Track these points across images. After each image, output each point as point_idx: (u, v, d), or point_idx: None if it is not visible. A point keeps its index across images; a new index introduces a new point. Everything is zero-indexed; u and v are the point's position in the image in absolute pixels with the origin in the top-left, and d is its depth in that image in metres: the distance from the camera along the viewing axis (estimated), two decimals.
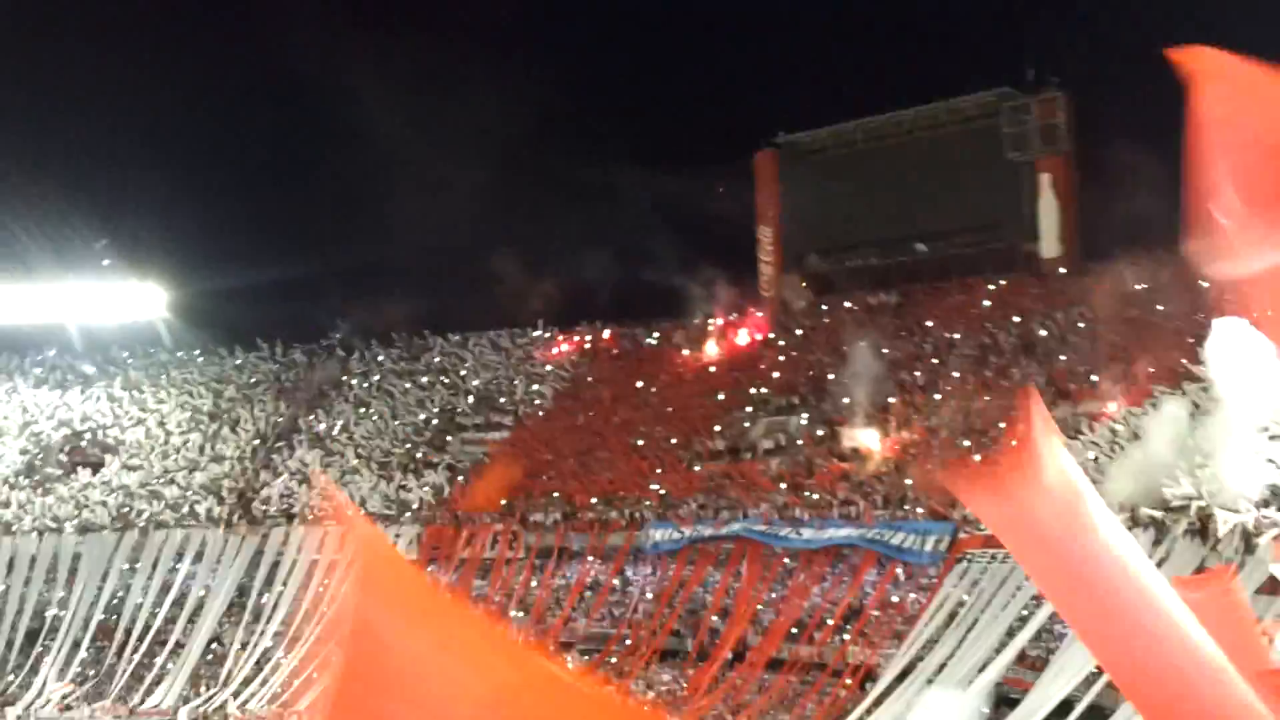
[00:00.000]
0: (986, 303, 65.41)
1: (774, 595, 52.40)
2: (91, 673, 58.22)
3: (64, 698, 56.00)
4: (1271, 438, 33.50)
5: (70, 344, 79.96)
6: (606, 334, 75.54)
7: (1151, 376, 47.13)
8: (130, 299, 77.92)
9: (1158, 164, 45.57)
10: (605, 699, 3.40)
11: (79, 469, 68.67)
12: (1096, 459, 44.61)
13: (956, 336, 63.00)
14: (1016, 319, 62.56)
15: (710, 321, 72.72)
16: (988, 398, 55.58)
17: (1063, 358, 57.19)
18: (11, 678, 58.50)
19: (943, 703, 36.92)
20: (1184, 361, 43.27)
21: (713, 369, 69.41)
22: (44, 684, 57.21)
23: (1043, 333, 60.22)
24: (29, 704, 55.84)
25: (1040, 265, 68.19)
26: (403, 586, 3.41)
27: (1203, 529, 34.37)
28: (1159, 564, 32.66)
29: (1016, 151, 69.67)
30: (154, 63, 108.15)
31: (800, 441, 59.23)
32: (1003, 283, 66.94)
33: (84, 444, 71.36)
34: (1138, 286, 55.78)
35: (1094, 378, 53.24)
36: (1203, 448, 35.05)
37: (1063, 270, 66.17)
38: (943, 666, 41.34)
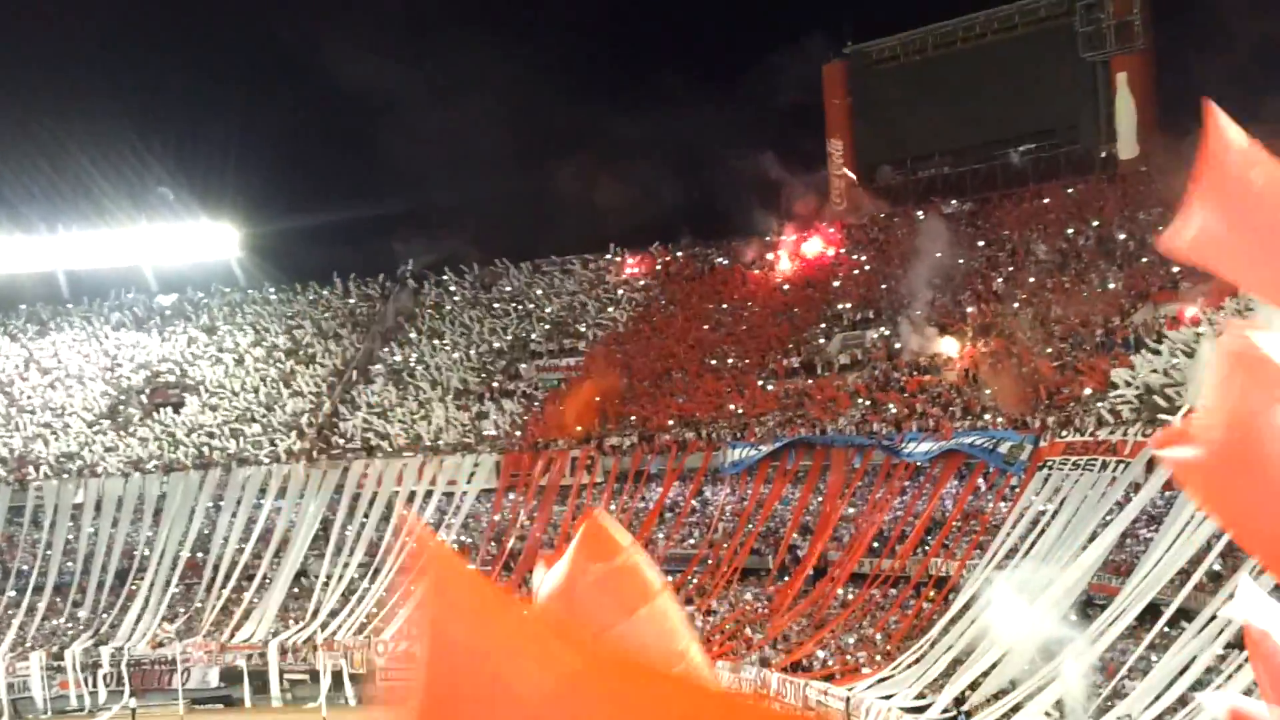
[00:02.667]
0: (1063, 207, 64.14)
1: (854, 510, 52.00)
2: (182, 609, 58.98)
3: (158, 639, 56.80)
4: None
5: (147, 286, 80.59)
6: (678, 255, 74.98)
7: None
8: (204, 239, 78.35)
9: (1237, 57, 44.29)
10: (682, 683, 3.46)
11: (160, 409, 69.32)
12: (1179, 360, 43.70)
13: (1034, 243, 61.88)
14: (1095, 223, 61.35)
15: (782, 237, 71.92)
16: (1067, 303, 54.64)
17: (1142, 260, 55.95)
18: (105, 616, 59.38)
19: (1028, 611, 36.40)
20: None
21: (786, 286, 68.74)
22: (137, 621, 58.03)
23: (1121, 235, 58.97)
24: (122, 643, 56.67)
25: (1118, 167, 66.75)
26: (474, 596, 3.33)
27: None
28: None
29: (1092, 51, 68.12)
30: (227, 6, 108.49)
31: (876, 355, 58.54)
32: (1080, 186, 65.61)
33: (164, 385, 72.02)
34: None
35: (1175, 279, 52.08)
36: None
37: (1141, 171, 64.68)
38: (1027, 576, 40.78)
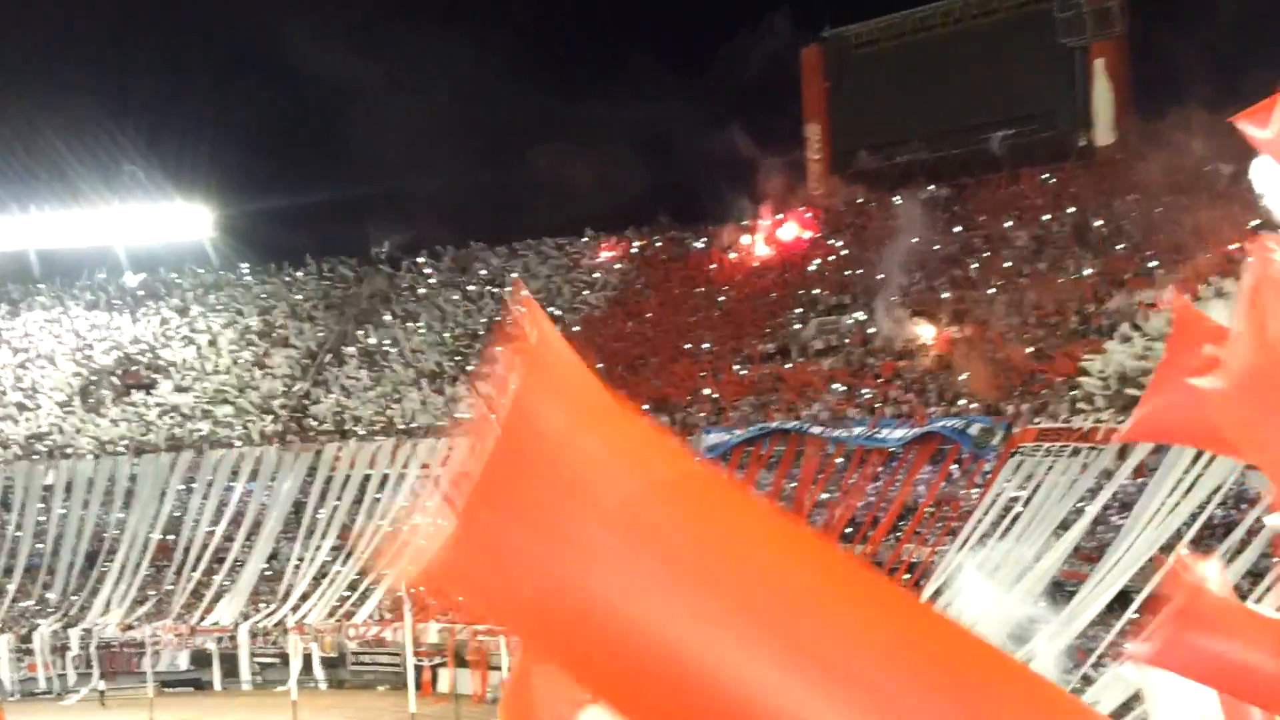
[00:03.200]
0: (1039, 193, 64.14)
1: (827, 496, 51.95)
2: (151, 592, 58.70)
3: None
4: None
5: (120, 267, 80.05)
6: (654, 239, 74.78)
7: (1208, 264, 46.03)
8: (177, 220, 77.86)
9: (1214, 47, 44.29)
10: (765, 507, 3.03)
11: (131, 391, 68.92)
12: (1153, 348, 43.74)
13: (1009, 228, 61.87)
14: (1070, 209, 61.33)
15: (758, 222, 71.75)
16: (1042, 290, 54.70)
17: (1118, 247, 55.99)
18: (74, 599, 59.10)
19: (998, 597, 36.42)
20: (1240, 247, 42.15)
21: (762, 271, 68.59)
22: (107, 604, 57.77)
23: (1097, 222, 59.00)
24: (91, 625, 56.43)
25: (1094, 154, 66.74)
26: (570, 379, 3.02)
27: None
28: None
29: (1069, 37, 68.00)
30: None
31: (851, 341, 58.45)
32: (1056, 173, 65.61)
33: (135, 366, 71.59)
34: (1194, 172, 54.31)
35: (1150, 266, 52.16)
36: None
37: (1118, 157, 64.67)
38: (998, 562, 40.80)
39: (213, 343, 72.47)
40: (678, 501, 2.94)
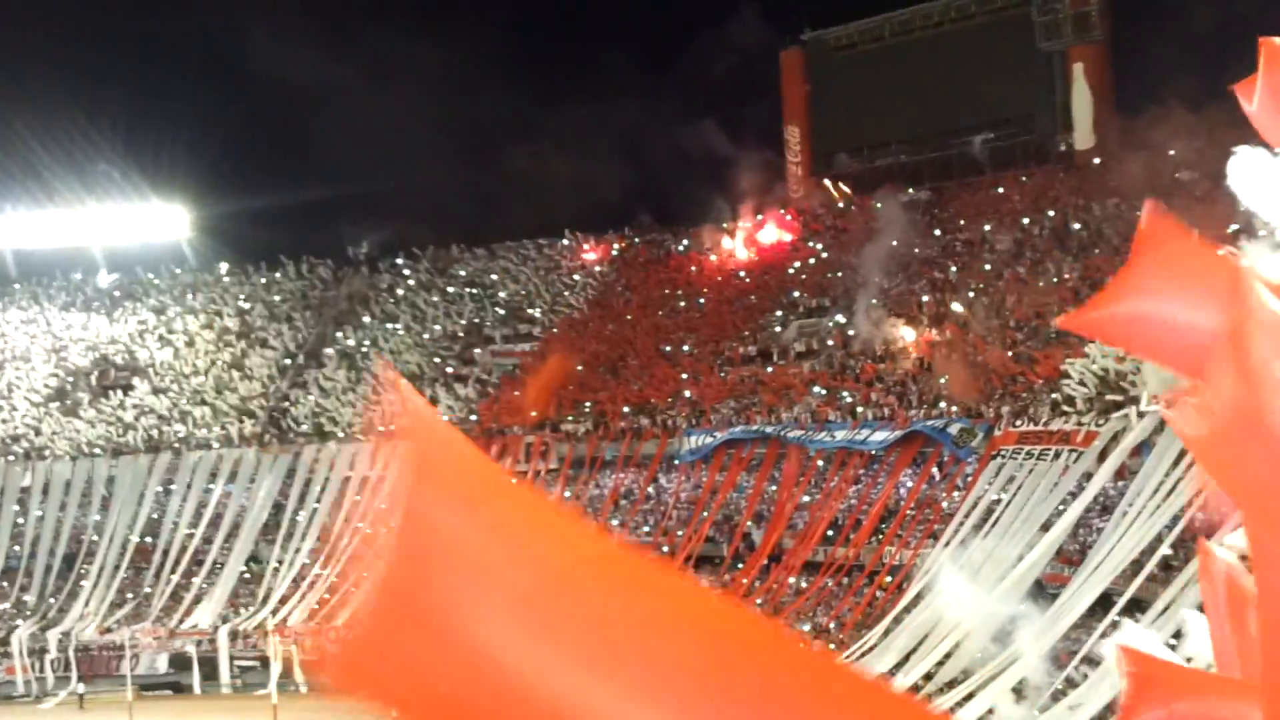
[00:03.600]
0: (1019, 197, 64.39)
1: (809, 499, 52.00)
2: (130, 595, 58.42)
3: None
4: None
5: (95, 267, 79.67)
6: (634, 241, 74.79)
7: None
8: (154, 220, 77.40)
9: (1193, 49, 44.49)
10: (670, 579, 3.12)
11: (109, 392, 68.59)
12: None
13: (989, 231, 62.08)
14: (1050, 212, 61.57)
15: (739, 225, 71.82)
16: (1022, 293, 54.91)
17: (1097, 250, 56.24)
18: (51, 601, 58.79)
19: (980, 599, 36.46)
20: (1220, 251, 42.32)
21: (742, 273, 68.68)
22: (85, 607, 57.49)
23: (1076, 225, 59.24)
24: (69, 627, 56.12)
25: (1074, 157, 67.03)
26: (460, 468, 3.07)
27: None
28: None
29: (1049, 41, 68.30)
30: None
31: (832, 343, 58.56)
32: (1036, 176, 65.87)
33: (112, 367, 71.24)
34: (1174, 176, 54.57)
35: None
36: None
37: (1097, 161, 64.96)
38: (980, 564, 40.87)
39: (190, 343, 72.13)
40: (576, 587, 2.97)
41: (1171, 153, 54.20)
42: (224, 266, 78.96)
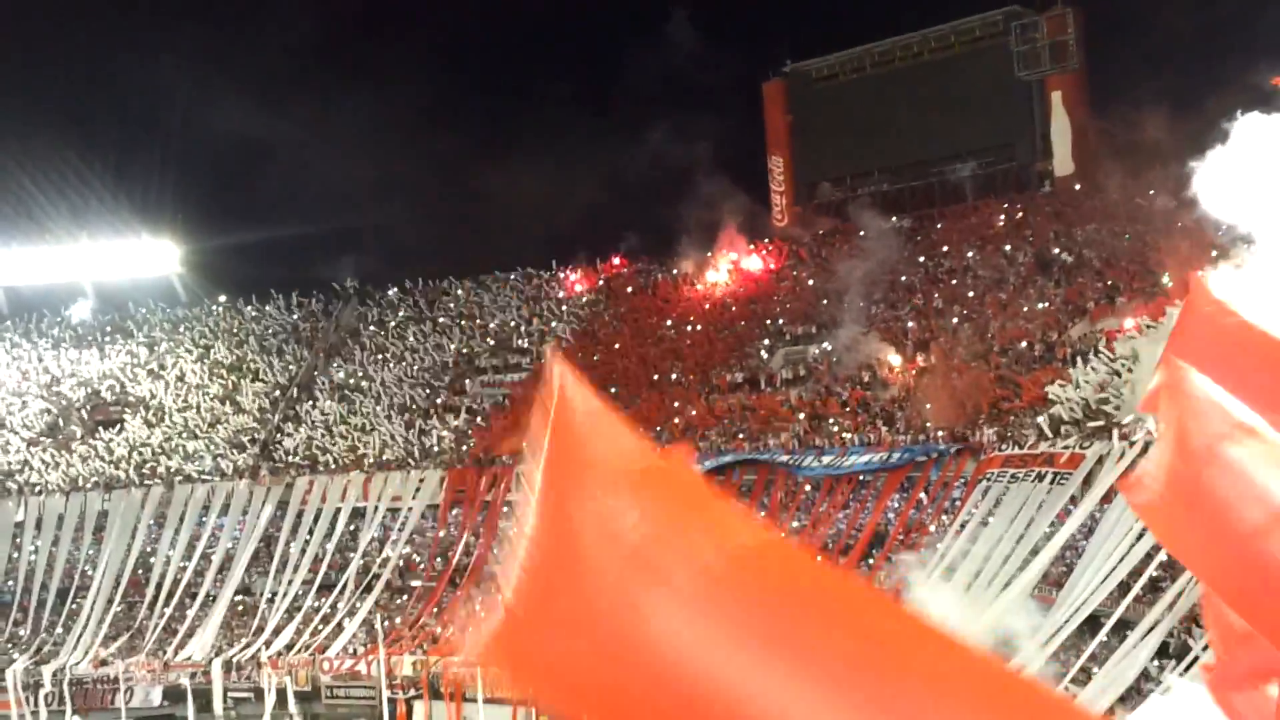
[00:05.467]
0: (1001, 223, 65.20)
1: (797, 524, 52.48)
2: (124, 628, 58.67)
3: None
4: None
5: (88, 303, 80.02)
6: (621, 270, 75.37)
7: (1169, 290, 46.95)
8: (145, 256, 77.74)
9: (1169, 77, 45.30)
10: (832, 571, 3.19)
11: (101, 427, 68.92)
12: (1116, 375, 44.53)
13: (972, 258, 62.84)
14: (1031, 239, 62.37)
15: (725, 254, 72.46)
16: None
17: (1079, 276, 57.07)
18: (45, 636, 59.00)
19: (968, 621, 36.93)
20: (1200, 274, 43.04)
21: (729, 301, 69.27)
22: (79, 640, 57.73)
23: (1057, 251, 60.05)
24: (64, 662, 56.35)
25: (1054, 184, 67.89)
26: (616, 453, 3.25)
27: None
28: None
29: (1027, 70, 69.21)
30: (162, 21, 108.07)
31: (818, 370, 59.19)
32: (1017, 203, 66.70)
33: (105, 402, 71.58)
34: (1152, 201, 55.36)
35: (1110, 294, 53.19)
36: None
37: (1076, 187, 65.84)
38: (968, 586, 41.34)
39: (181, 378, 72.47)
40: (746, 573, 3.06)
41: (1150, 178, 54.98)
42: (217, 300, 79.28)
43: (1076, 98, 68.57)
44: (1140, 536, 36.04)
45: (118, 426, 68.79)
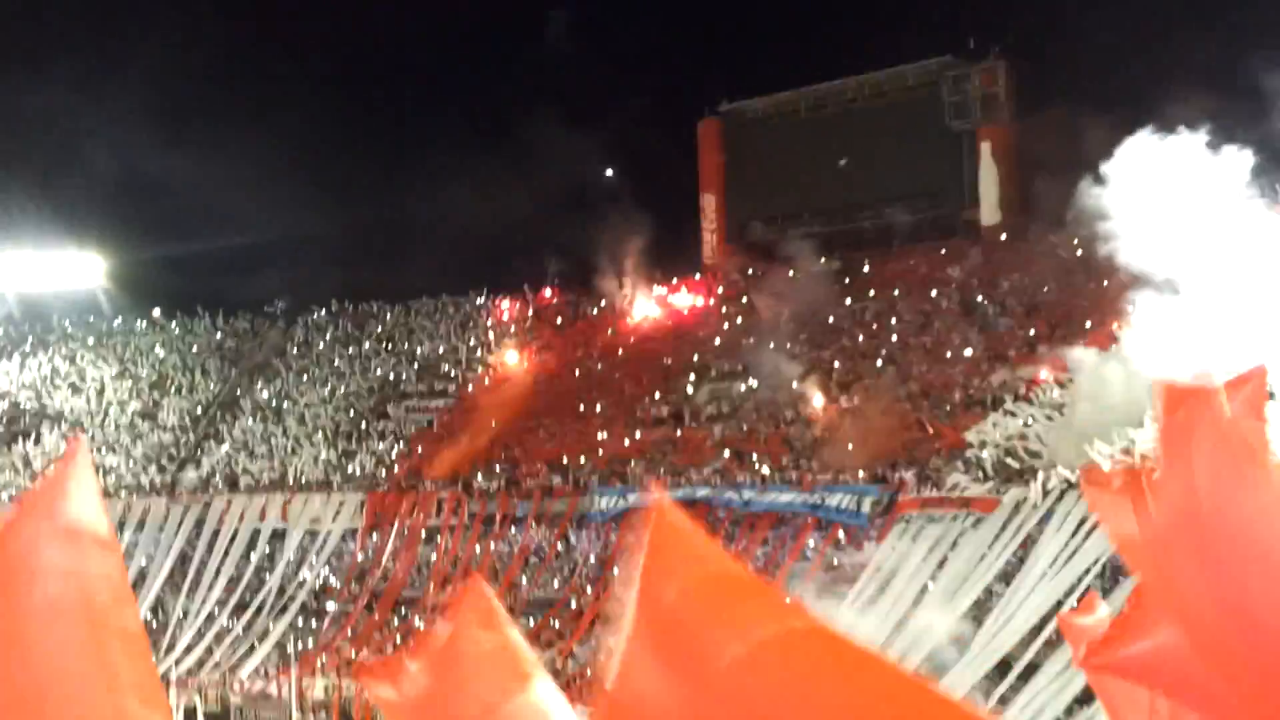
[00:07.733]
0: (926, 269, 65.97)
1: None
2: None
3: None
4: None
5: (8, 314, 78.98)
6: (550, 302, 75.55)
7: (1089, 340, 47.78)
8: (69, 268, 76.93)
9: (1097, 132, 46.23)
10: (876, 664, 3.19)
11: (17, 439, 68.06)
12: (1035, 422, 45.26)
13: (898, 302, 63.53)
14: (956, 285, 63.15)
15: (654, 289, 72.81)
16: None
17: (1001, 323, 57.92)
18: None
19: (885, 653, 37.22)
20: (1119, 326, 43.92)
21: (656, 336, 69.55)
22: None
23: (981, 298, 60.88)
24: None
25: (980, 232, 68.80)
26: (688, 550, 3.28)
27: None
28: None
29: (958, 120, 70.15)
30: (96, 27, 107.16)
31: (742, 407, 59.57)
32: (943, 249, 67.53)
33: (23, 414, 70.69)
34: (1075, 253, 56.29)
35: (1031, 343, 54.07)
36: (1137, 408, 35.54)
37: (1002, 237, 66.79)
38: (881, 627, 41.70)
39: (102, 392, 71.75)
40: (779, 661, 3.09)
41: (1075, 230, 55.91)
42: (139, 316, 78.57)
43: (1005, 149, 69.56)
44: (1056, 577, 36.65)
45: (35, 439, 67.95)
